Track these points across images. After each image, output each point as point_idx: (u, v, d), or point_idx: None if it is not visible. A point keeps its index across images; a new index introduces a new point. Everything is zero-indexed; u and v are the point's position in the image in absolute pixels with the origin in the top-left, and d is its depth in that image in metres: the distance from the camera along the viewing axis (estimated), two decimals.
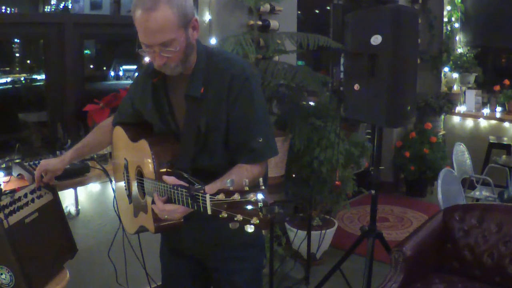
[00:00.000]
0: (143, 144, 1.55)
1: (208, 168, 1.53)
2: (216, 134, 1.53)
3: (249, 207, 1.08)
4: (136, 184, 1.66)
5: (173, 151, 1.53)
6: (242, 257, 1.70)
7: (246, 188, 1.10)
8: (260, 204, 1.07)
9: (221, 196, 1.11)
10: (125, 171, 1.76)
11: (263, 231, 1.53)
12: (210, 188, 1.30)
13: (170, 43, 1.39)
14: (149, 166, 1.53)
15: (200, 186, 1.28)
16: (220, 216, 1.11)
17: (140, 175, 1.63)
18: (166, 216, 1.39)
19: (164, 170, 1.49)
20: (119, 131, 1.80)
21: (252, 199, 1.08)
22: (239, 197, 1.09)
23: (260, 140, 1.50)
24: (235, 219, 1.08)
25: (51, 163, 1.83)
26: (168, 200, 1.36)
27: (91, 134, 1.93)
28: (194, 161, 1.52)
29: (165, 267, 1.88)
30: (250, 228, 1.07)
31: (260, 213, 1.07)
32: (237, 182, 1.19)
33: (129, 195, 1.75)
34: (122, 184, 1.83)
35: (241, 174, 1.45)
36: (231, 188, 1.12)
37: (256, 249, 1.76)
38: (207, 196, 1.15)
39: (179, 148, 1.53)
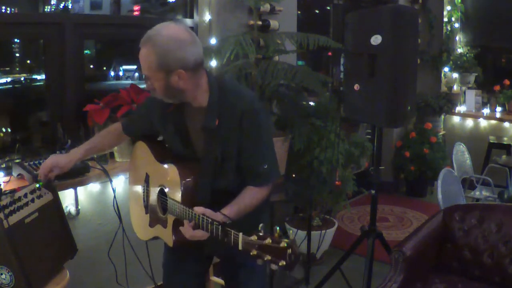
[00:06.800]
0: (172, 169, 1.71)
1: (225, 189, 1.72)
2: (231, 162, 1.71)
3: (278, 251, 1.27)
4: (156, 199, 1.80)
5: (195, 176, 1.70)
6: None
7: (276, 235, 1.29)
8: (289, 251, 1.25)
9: (253, 238, 1.31)
10: (145, 184, 1.89)
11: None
12: (228, 211, 1.58)
13: (148, 78, 1.60)
14: (176, 190, 1.68)
15: (230, 222, 1.49)
16: (251, 253, 1.31)
17: (161, 192, 1.76)
18: (194, 239, 1.56)
19: (189, 197, 1.65)
20: (143, 146, 1.92)
21: (282, 246, 1.26)
22: (270, 242, 1.28)
23: (265, 167, 1.71)
24: (265, 258, 1.28)
25: (62, 161, 1.87)
26: (196, 226, 1.53)
27: (99, 136, 2.00)
28: (213, 184, 1.71)
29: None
30: (274, 266, 1.27)
31: (287, 258, 1.26)
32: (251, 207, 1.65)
33: (147, 206, 1.89)
34: (138, 192, 1.95)
35: (252, 195, 1.70)
36: (262, 232, 1.32)
37: None
38: (240, 235, 1.35)
39: (200, 173, 1.70)
